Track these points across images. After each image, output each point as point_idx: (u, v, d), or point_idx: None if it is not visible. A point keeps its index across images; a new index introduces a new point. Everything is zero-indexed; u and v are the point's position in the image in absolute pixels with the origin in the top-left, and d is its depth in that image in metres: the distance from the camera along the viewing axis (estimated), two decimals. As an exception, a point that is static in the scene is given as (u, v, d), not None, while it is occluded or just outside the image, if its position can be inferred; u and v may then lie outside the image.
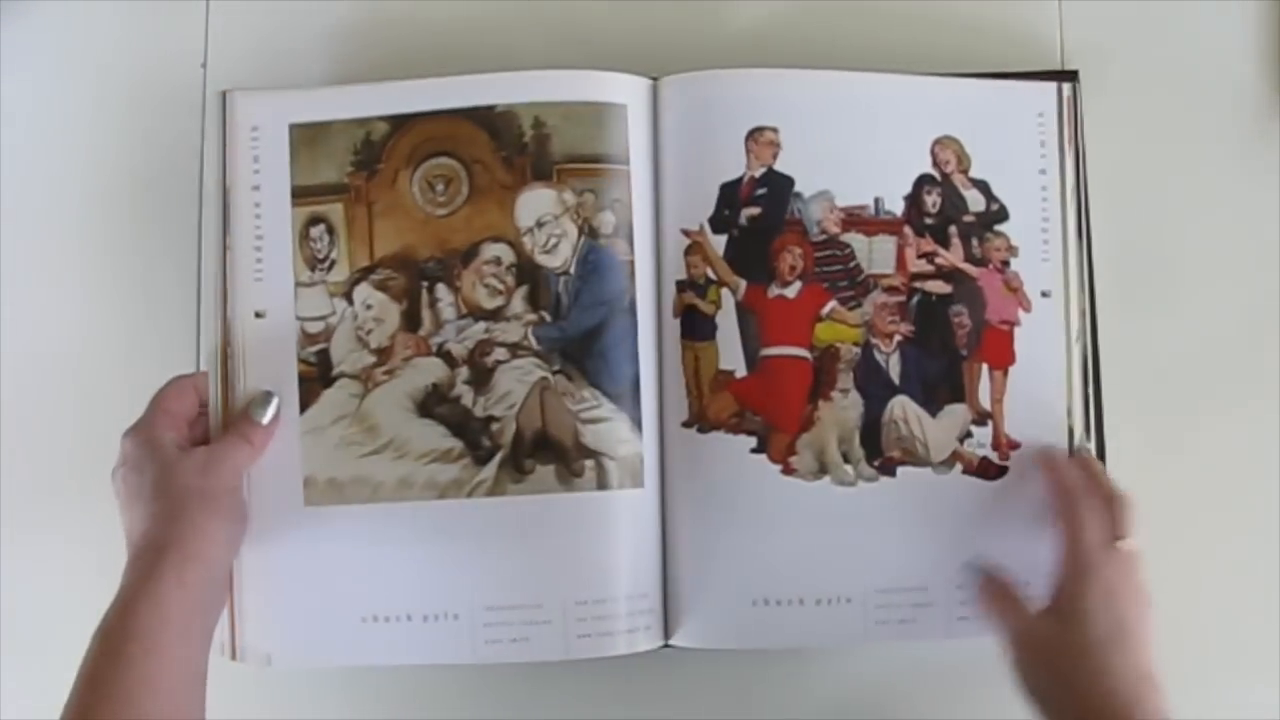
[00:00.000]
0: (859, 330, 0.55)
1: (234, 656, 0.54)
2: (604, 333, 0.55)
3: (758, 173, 0.55)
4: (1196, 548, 0.57)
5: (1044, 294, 0.56)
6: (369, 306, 0.55)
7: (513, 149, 0.55)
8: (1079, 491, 0.52)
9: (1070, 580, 0.50)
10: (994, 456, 0.56)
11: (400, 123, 0.56)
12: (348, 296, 0.56)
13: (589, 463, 0.54)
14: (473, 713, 0.57)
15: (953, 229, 0.56)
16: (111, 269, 0.62)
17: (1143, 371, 0.59)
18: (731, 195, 0.55)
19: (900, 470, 0.55)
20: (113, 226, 0.62)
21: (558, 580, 0.53)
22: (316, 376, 0.55)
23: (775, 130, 0.55)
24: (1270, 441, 0.58)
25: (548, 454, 0.54)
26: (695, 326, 0.55)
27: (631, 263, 0.55)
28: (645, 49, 0.58)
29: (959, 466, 0.56)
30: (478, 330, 0.55)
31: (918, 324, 0.56)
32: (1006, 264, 0.56)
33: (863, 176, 0.56)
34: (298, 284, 0.56)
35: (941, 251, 0.56)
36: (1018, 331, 0.56)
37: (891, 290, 0.56)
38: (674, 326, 0.56)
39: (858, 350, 0.55)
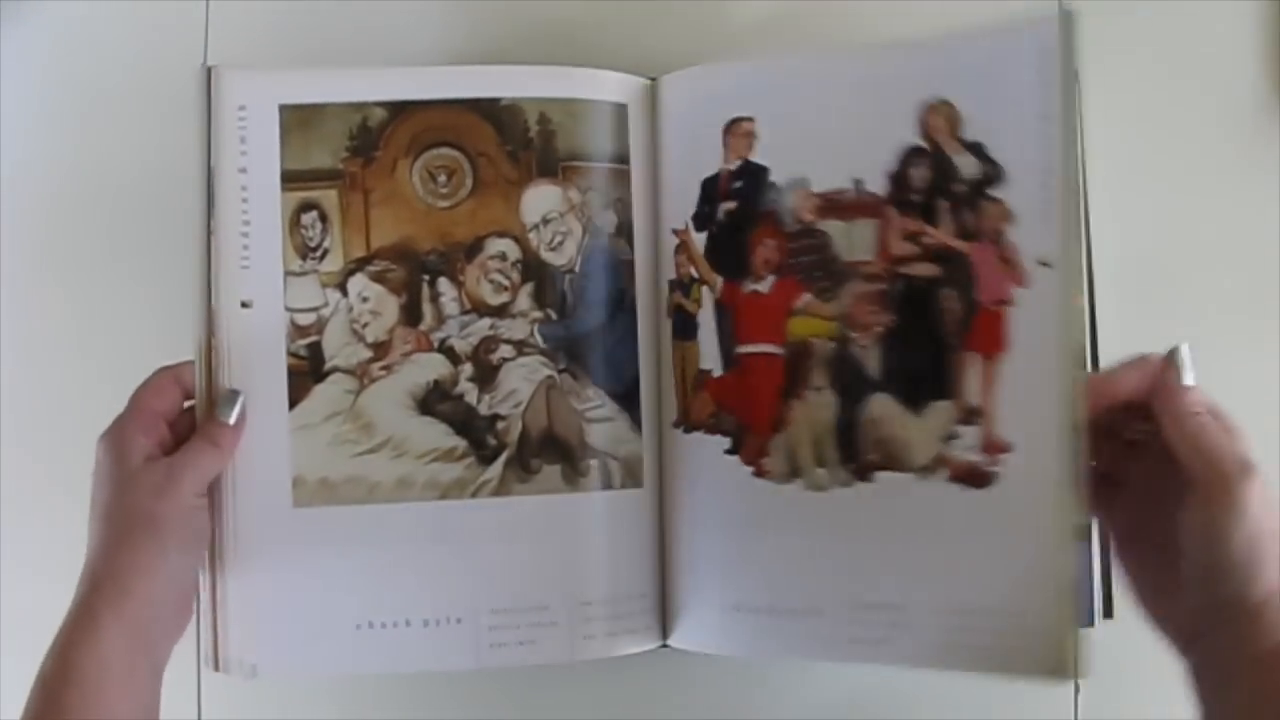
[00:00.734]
0: (834, 324, 0.53)
1: (216, 668, 0.51)
2: (607, 332, 0.55)
3: (733, 165, 0.55)
4: None
5: (1043, 264, 0.50)
6: (365, 299, 0.53)
7: (518, 144, 0.54)
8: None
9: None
10: (982, 461, 0.50)
11: (399, 109, 0.54)
12: (342, 288, 0.53)
13: (594, 462, 0.54)
14: (469, 714, 0.56)
15: (942, 203, 0.52)
16: (112, 268, 0.61)
17: None
18: (711, 191, 0.55)
19: (879, 475, 0.52)
20: (112, 226, 0.61)
21: (564, 581, 0.53)
22: (307, 371, 0.53)
23: (751, 120, 0.54)
24: (1270, 441, 0.57)
25: (553, 453, 0.53)
26: (683, 326, 0.56)
27: (631, 263, 0.55)
28: (645, 50, 0.58)
29: (944, 472, 0.51)
30: (482, 326, 0.54)
31: (900, 313, 0.52)
32: (1000, 234, 0.51)
33: (843, 157, 0.53)
34: (287, 273, 0.53)
35: (929, 230, 0.52)
36: (1012, 313, 0.50)
37: (872, 278, 0.52)
38: (667, 327, 0.56)
39: (833, 345, 0.53)
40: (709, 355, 0.55)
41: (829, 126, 0.53)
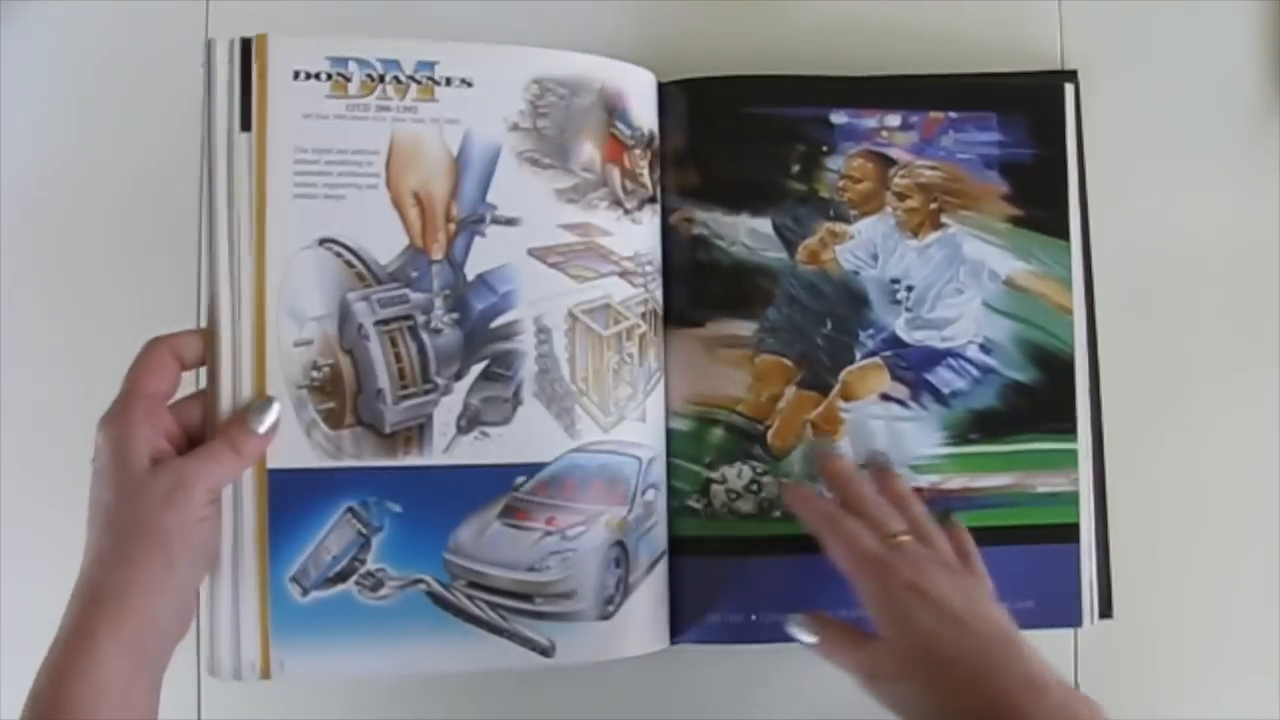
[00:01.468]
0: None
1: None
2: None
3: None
4: (1196, 546, 0.59)
5: None
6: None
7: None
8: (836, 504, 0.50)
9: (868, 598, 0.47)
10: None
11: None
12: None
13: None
14: (471, 713, 0.56)
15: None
16: (111, 266, 0.60)
17: (1142, 371, 0.59)
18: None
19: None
20: (112, 225, 0.60)
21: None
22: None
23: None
24: (1271, 441, 0.59)
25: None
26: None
27: None
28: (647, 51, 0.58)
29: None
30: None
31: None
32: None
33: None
34: None
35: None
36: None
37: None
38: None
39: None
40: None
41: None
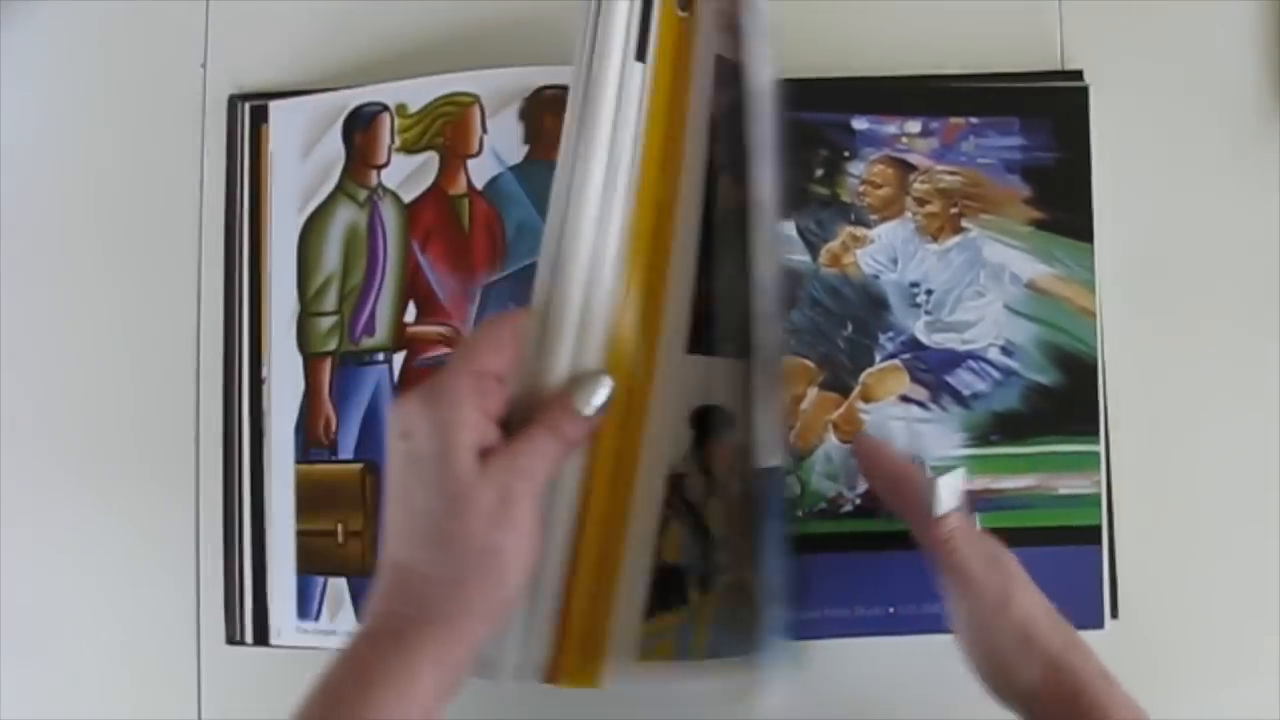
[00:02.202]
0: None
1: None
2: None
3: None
4: (1196, 546, 0.59)
5: None
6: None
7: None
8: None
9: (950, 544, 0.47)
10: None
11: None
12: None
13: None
14: (470, 714, 0.54)
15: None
16: (111, 268, 0.59)
17: (1143, 370, 0.59)
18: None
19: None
20: (112, 227, 0.60)
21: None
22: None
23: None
24: (1271, 441, 0.58)
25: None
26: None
27: None
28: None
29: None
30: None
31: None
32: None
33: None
34: None
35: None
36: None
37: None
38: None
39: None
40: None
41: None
